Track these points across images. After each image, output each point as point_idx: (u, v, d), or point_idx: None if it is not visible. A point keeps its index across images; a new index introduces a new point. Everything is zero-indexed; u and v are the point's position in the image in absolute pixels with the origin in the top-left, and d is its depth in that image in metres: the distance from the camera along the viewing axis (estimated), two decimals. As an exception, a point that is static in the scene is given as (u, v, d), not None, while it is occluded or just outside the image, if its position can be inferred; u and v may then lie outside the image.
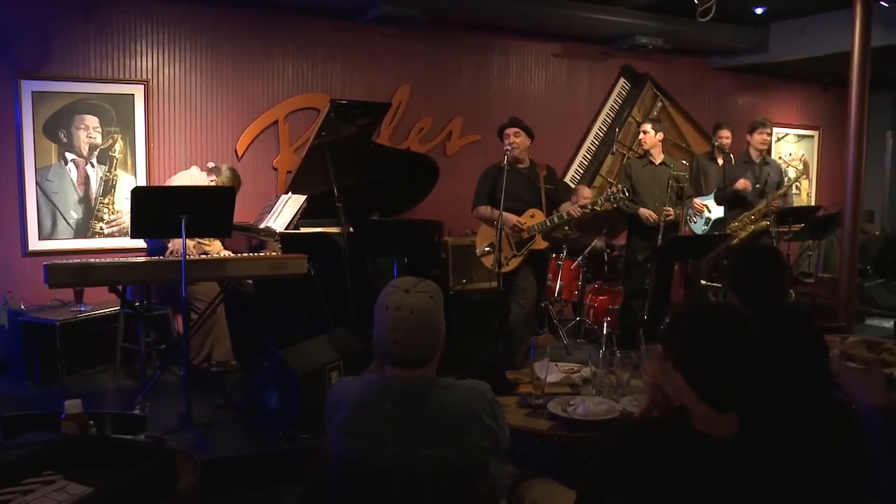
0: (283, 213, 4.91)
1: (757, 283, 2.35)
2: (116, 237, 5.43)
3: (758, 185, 5.54)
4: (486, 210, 4.77)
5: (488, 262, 4.80)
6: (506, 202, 4.44)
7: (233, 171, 4.96)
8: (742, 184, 5.55)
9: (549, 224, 4.69)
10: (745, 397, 1.57)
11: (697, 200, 6.06)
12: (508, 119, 4.82)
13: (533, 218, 4.71)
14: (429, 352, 1.84)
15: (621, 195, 4.71)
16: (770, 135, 5.64)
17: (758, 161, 5.71)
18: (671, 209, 5.42)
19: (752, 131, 5.76)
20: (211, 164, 5.08)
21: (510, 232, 4.63)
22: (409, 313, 1.80)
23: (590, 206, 4.76)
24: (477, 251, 4.91)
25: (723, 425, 1.57)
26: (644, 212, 5.48)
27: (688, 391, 1.59)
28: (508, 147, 4.63)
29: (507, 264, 4.64)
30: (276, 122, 5.98)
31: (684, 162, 5.84)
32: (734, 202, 5.71)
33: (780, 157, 6.41)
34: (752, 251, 2.61)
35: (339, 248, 4.74)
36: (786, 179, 5.70)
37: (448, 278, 5.70)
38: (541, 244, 4.72)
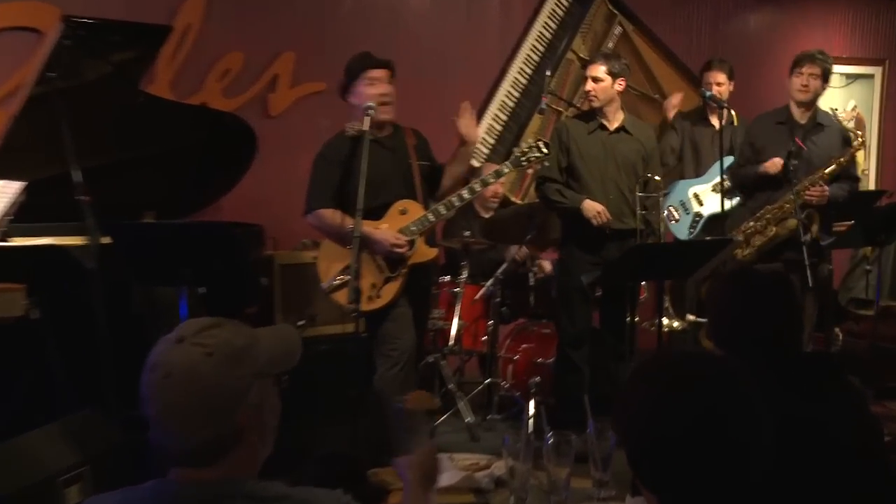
0: (-19, 212, 4.79)
1: (756, 331, 2.49)
2: None
3: (795, 162, 5.55)
4: (332, 217, 4.82)
5: (342, 297, 4.79)
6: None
7: None
8: (773, 165, 5.61)
9: (432, 219, 4.83)
10: (743, 493, 1.61)
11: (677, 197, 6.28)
12: (364, 56, 4.86)
13: (405, 215, 4.82)
14: (199, 441, 1.85)
15: (536, 153, 4.79)
16: (816, 77, 5.65)
17: (804, 122, 5.74)
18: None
19: (790, 72, 5.83)
20: None
21: (383, 252, 4.76)
22: (164, 377, 1.84)
23: (481, 183, 4.87)
24: (323, 285, 4.93)
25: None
26: (590, 206, 5.40)
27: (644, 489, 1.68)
28: (371, 104, 4.65)
29: (380, 296, 4.75)
30: (-41, 53, 5.91)
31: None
32: (760, 187, 5.81)
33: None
34: (748, 280, 2.75)
35: (83, 271, 4.63)
36: (850, 150, 5.75)
37: (273, 319, 5.73)
38: (427, 253, 4.86)
